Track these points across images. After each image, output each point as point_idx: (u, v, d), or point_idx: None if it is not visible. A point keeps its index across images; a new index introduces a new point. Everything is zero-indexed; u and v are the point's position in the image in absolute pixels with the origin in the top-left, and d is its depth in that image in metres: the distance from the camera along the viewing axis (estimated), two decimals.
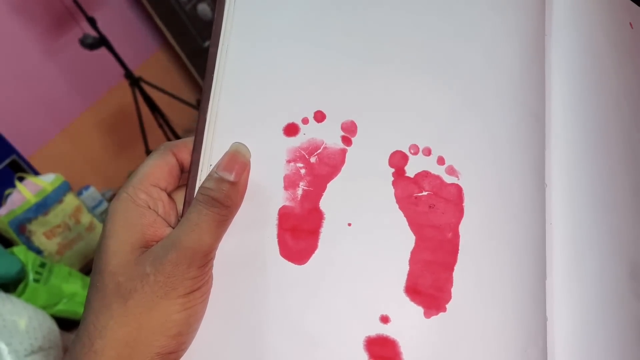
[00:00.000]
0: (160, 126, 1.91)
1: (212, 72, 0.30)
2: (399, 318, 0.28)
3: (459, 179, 0.29)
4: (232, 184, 0.28)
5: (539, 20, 0.33)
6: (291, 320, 0.28)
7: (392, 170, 0.29)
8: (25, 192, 1.40)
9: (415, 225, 0.29)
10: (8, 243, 1.40)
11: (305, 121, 0.30)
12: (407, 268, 0.28)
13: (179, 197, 0.31)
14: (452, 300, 0.28)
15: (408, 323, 0.28)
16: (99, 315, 0.27)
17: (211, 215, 0.27)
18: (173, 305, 0.27)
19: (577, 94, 0.33)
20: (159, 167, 0.30)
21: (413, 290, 0.28)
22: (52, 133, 1.99)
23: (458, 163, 0.30)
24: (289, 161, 0.29)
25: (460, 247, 0.29)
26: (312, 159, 0.29)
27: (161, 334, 0.27)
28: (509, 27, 0.32)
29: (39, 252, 1.40)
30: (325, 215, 0.29)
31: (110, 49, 1.73)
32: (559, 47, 0.34)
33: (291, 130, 0.30)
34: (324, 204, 0.29)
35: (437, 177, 0.29)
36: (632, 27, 0.38)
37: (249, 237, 0.29)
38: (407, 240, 0.29)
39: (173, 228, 0.29)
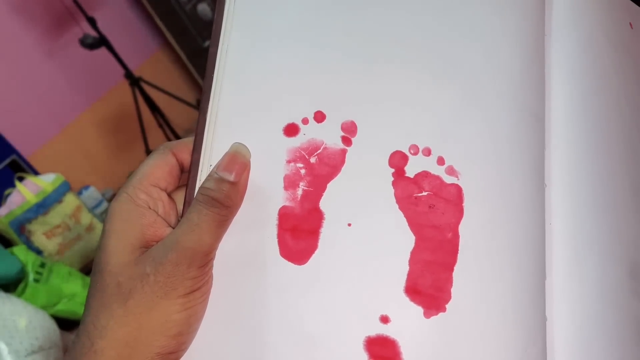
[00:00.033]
0: (160, 126, 1.91)
1: (212, 72, 0.30)
2: (399, 318, 0.28)
3: (458, 179, 0.29)
4: (232, 184, 0.28)
5: (538, 20, 0.33)
6: (291, 320, 0.28)
7: (392, 170, 0.29)
8: (25, 192, 1.40)
9: (415, 225, 0.29)
10: (8, 243, 1.40)
11: (305, 121, 0.30)
12: (407, 268, 0.28)
13: (179, 197, 0.31)
14: (452, 300, 0.28)
15: (408, 323, 0.28)
16: (99, 315, 0.27)
17: (211, 215, 0.27)
18: (173, 305, 0.27)
19: (577, 94, 0.33)
20: (159, 167, 0.30)
21: (413, 290, 0.28)
22: (52, 133, 1.99)
23: (458, 163, 0.30)
24: (289, 161, 0.29)
25: (460, 247, 0.29)
26: (312, 159, 0.30)
27: (161, 334, 0.27)
28: (509, 27, 0.32)
29: (39, 252, 1.40)
30: (325, 216, 0.29)
31: (110, 49, 1.73)
32: (559, 47, 0.34)
33: (291, 130, 0.30)
34: (324, 204, 0.29)
35: (437, 178, 0.29)
36: (632, 27, 0.38)
37: (249, 237, 0.29)
38: (407, 240, 0.29)
39: (173, 228, 0.29)
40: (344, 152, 0.30)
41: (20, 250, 1.19)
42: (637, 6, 0.39)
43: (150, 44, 2.30)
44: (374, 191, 0.29)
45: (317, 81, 0.30)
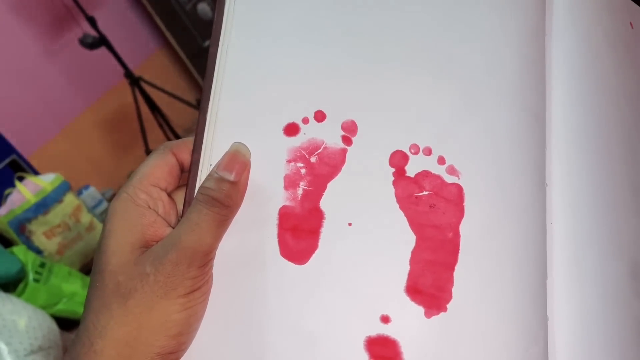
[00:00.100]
0: (160, 126, 1.91)
1: (212, 72, 0.30)
2: (400, 318, 0.28)
3: (459, 179, 0.29)
4: (233, 183, 0.28)
5: (539, 20, 0.33)
6: (291, 320, 0.28)
7: (393, 170, 0.29)
8: (25, 191, 1.40)
9: (415, 225, 0.29)
10: (8, 243, 1.40)
11: (305, 121, 0.30)
12: (407, 268, 0.28)
13: (179, 197, 0.31)
14: (452, 300, 0.28)
15: (409, 323, 0.28)
16: (99, 315, 0.27)
17: (211, 215, 0.27)
18: (173, 305, 0.27)
19: (577, 94, 0.33)
20: (159, 167, 0.30)
21: (414, 290, 0.28)
22: (52, 133, 1.99)
23: (458, 163, 0.30)
24: (289, 161, 0.29)
25: (460, 247, 0.29)
26: (313, 159, 0.29)
27: (161, 333, 0.27)
28: (509, 27, 0.32)
29: (38, 252, 1.40)
30: (325, 215, 0.29)
31: (110, 48, 1.73)
32: (559, 47, 0.34)
33: (291, 130, 0.30)
34: (325, 203, 0.29)
35: (438, 177, 0.29)
36: (632, 27, 0.38)
37: (249, 237, 0.29)
38: (407, 240, 0.29)
39: (173, 228, 0.29)
40: (344, 151, 0.30)
41: (20, 250, 1.20)
42: (637, 6, 0.39)
43: (150, 44, 2.30)
44: (374, 191, 0.29)
45: (317, 81, 0.30)
